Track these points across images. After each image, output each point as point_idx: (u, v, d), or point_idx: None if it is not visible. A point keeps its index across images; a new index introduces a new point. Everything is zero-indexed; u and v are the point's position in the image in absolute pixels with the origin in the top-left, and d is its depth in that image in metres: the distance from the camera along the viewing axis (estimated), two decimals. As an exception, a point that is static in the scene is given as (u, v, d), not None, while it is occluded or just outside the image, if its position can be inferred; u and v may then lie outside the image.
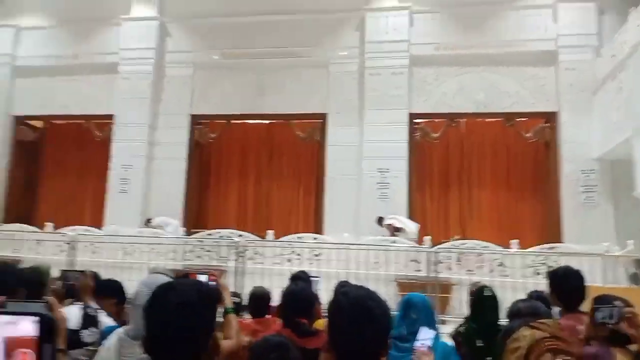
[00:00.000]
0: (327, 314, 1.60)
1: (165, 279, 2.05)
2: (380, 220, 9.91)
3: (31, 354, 0.76)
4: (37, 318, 0.78)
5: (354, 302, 1.52)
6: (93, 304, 2.92)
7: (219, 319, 1.92)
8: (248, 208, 12.86)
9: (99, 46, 12.78)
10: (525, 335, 1.68)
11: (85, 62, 12.77)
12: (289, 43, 11.78)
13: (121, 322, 3.47)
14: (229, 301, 2.55)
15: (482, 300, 3.44)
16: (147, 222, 10.94)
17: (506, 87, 10.85)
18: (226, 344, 2.28)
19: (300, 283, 3.21)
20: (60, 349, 1.31)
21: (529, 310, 2.96)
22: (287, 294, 3.07)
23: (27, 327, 0.77)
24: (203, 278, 2.56)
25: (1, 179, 12.77)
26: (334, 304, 1.58)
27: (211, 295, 1.46)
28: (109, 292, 3.30)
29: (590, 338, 2.54)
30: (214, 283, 2.56)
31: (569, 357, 1.54)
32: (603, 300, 2.46)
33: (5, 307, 1.60)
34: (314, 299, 3.05)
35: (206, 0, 12.31)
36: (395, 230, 9.61)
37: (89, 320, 2.68)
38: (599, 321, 2.33)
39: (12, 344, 0.75)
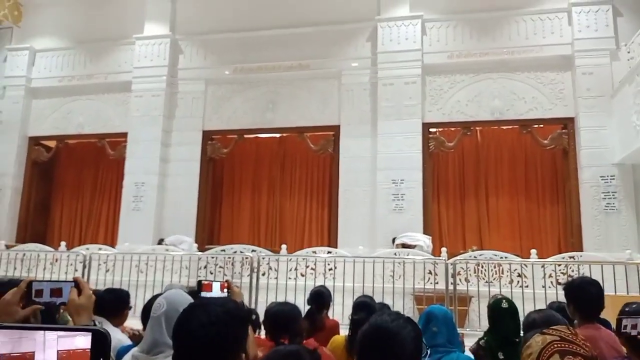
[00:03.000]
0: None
1: (184, 294, 2.05)
2: (394, 241, 9.80)
3: None
4: (89, 333, 0.78)
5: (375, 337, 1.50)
6: (97, 318, 2.88)
7: None
8: (261, 223, 12.77)
9: (112, 65, 12.98)
10: (538, 341, 1.69)
11: (99, 82, 12.99)
12: (300, 56, 11.78)
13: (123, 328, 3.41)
14: None
15: (500, 313, 3.38)
16: (160, 242, 10.93)
17: (522, 94, 10.66)
18: None
19: (288, 305, 3.17)
20: None
21: (543, 320, 2.93)
22: (266, 316, 3.11)
23: (80, 341, 0.78)
24: (216, 286, 2.55)
25: (16, 199, 12.91)
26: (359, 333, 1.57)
27: (240, 315, 1.43)
28: (110, 311, 3.23)
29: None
30: (226, 290, 2.55)
31: (577, 358, 1.53)
32: (634, 309, 2.40)
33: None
34: (293, 317, 3.03)
35: (217, 17, 12.43)
36: (408, 248, 9.46)
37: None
38: (621, 331, 2.29)
39: (66, 358, 0.77)
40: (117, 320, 3.26)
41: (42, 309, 1.64)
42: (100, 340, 0.78)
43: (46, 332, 0.78)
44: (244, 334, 1.41)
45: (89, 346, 0.78)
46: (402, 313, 1.61)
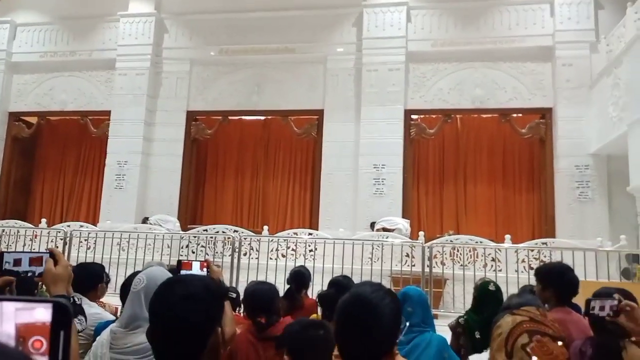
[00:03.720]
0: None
1: (164, 270, 2.07)
2: (372, 226, 10.00)
3: (44, 341, 0.73)
4: (50, 305, 0.74)
5: (352, 309, 1.50)
6: (77, 295, 2.91)
7: None
8: (244, 204, 12.88)
9: (96, 43, 12.83)
10: (508, 321, 1.76)
11: (83, 59, 12.84)
12: (286, 39, 11.79)
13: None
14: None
15: (486, 295, 3.49)
16: (145, 221, 10.98)
17: (503, 83, 10.84)
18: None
19: (265, 284, 3.26)
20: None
21: (519, 306, 3.00)
22: (244, 295, 3.16)
23: (40, 313, 0.74)
24: (196, 265, 2.59)
25: (-4, 176, 12.78)
26: (337, 305, 1.56)
27: (218, 291, 1.43)
28: (85, 287, 3.15)
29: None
30: (205, 270, 2.58)
31: (545, 338, 1.61)
32: (602, 293, 2.44)
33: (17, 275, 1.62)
34: (271, 297, 3.06)
35: (203, -3, 12.33)
36: (387, 232, 9.66)
37: (76, 309, 2.68)
38: (589, 312, 2.32)
39: (25, 331, 0.72)
40: (93, 295, 3.23)
41: (17, 282, 1.64)
42: (62, 313, 0.74)
43: (3, 304, 0.74)
44: (221, 310, 1.40)
45: (50, 319, 0.74)
46: (383, 285, 1.62)
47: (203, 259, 2.71)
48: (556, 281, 3.18)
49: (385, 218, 9.93)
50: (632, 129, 8.09)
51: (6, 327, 0.72)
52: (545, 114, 10.72)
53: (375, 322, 1.46)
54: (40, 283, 1.77)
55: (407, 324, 2.82)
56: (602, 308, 2.26)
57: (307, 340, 2.17)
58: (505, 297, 3.35)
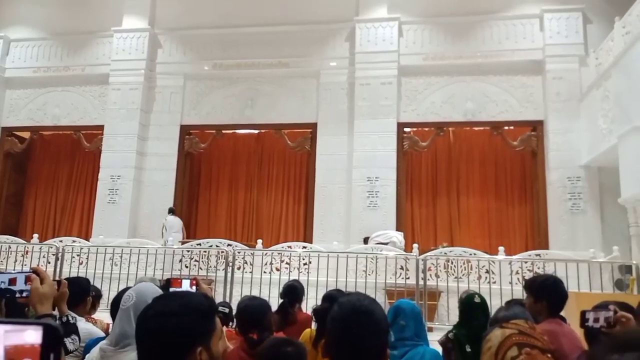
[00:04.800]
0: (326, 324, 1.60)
1: (154, 286, 2.04)
2: (365, 241, 9.99)
3: None
4: (40, 327, 0.74)
5: (347, 315, 1.51)
6: (71, 313, 2.88)
7: None
8: (238, 218, 12.86)
9: (90, 58, 12.88)
10: (497, 334, 1.76)
11: (76, 74, 12.88)
12: (279, 54, 11.89)
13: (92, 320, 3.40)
14: None
15: (472, 307, 3.47)
16: (170, 211, 11.14)
17: (494, 96, 10.96)
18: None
19: (256, 300, 3.24)
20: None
21: (508, 320, 3.00)
22: (237, 311, 3.16)
23: (30, 335, 0.73)
24: (186, 283, 2.58)
25: (-12, 191, 12.72)
26: (330, 315, 1.56)
27: (200, 309, 1.38)
28: (70, 302, 3.22)
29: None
30: (194, 288, 2.58)
31: (534, 350, 1.62)
32: (601, 305, 2.40)
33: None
34: (262, 312, 3.05)
35: (197, 12, 12.43)
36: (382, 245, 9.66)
37: (69, 329, 2.65)
38: (584, 324, 2.30)
39: (14, 353, 0.72)
40: (81, 310, 3.21)
41: (7, 301, 1.64)
42: (52, 335, 0.74)
43: None
44: (203, 328, 1.36)
45: (39, 341, 0.73)
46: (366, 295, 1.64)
47: (192, 276, 2.70)
48: (549, 293, 3.19)
49: (378, 232, 9.92)
50: (622, 140, 8.18)
51: None
52: (536, 127, 10.82)
53: (372, 329, 1.48)
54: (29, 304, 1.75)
55: (393, 337, 2.81)
56: (596, 319, 2.23)
57: (277, 357, 2.21)
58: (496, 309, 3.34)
